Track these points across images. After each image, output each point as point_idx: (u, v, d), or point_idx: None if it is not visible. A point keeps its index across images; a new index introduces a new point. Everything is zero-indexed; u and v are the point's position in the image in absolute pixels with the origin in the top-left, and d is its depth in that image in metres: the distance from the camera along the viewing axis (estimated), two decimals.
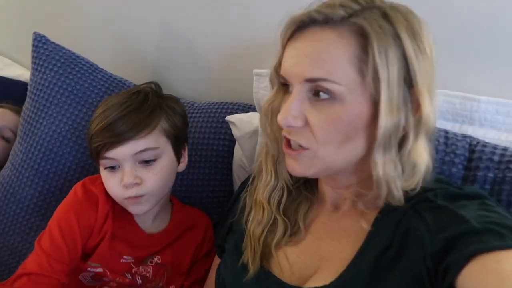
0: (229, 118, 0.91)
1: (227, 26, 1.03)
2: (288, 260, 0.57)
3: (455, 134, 0.67)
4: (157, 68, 1.21)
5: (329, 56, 0.47)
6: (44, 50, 0.99)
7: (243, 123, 0.88)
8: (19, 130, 1.03)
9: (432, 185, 0.51)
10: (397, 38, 0.46)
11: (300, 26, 0.50)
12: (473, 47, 0.73)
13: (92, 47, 1.30)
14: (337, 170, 0.53)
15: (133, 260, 0.77)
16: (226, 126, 0.92)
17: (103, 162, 0.72)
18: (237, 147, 0.92)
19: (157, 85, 0.82)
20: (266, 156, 0.61)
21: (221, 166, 0.94)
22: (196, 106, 1.02)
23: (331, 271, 0.51)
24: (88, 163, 0.96)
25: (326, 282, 0.50)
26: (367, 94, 0.47)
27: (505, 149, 0.62)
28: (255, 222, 0.60)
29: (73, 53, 1.01)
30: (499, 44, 0.71)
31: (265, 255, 0.58)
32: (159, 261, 0.79)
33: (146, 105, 0.73)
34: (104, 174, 0.73)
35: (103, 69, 1.03)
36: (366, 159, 0.50)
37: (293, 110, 0.49)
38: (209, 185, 0.94)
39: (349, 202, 0.56)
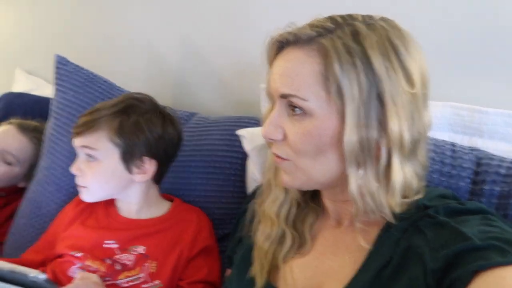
0: (240, 132, 0.93)
1: (239, 43, 1.07)
2: (293, 275, 0.58)
3: (462, 147, 0.67)
4: (176, 85, 1.26)
5: (297, 74, 0.50)
6: (65, 71, 1.04)
7: (254, 137, 0.90)
8: (43, 147, 1.07)
9: (435, 200, 0.51)
10: (365, 56, 0.47)
11: (279, 46, 0.53)
12: (480, 59, 0.73)
13: (117, 67, 1.36)
14: (321, 183, 0.55)
15: (117, 246, 0.81)
16: (239, 139, 0.95)
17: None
18: (249, 160, 0.94)
19: (147, 98, 0.87)
20: (273, 170, 0.62)
21: (234, 179, 0.96)
22: (211, 120, 1.05)
23: None
24: None
25: None
26: (334, 109, 0.48)
27: None
28: (264, 236, 0.61)
29: (91, 73, 1.06)
30: (507, 55, 0.70)
31: (272, 269, 0.60)
32: (143, 252, 0.81)
33: (106, 110, 0.81)
34: None
35: (120, 87, 1.08)
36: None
37: (272, 123, 0.53)
38: (222, 196, 0.96)
39: (349, 217, 0.57)
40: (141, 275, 0.78)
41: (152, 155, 0.82)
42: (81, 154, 0.82)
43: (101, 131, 0.79)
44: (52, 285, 0.58)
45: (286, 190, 0.61)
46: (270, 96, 0.57)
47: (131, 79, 1.33)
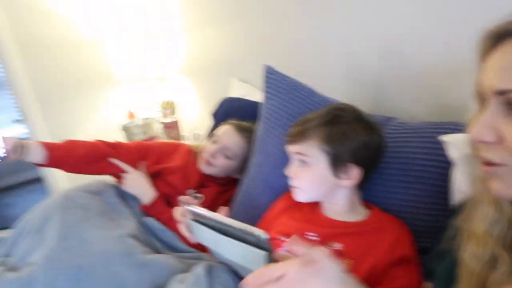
0: (445, 138, 0.86)
1: (451, 41, 0.98)
2: None
3: None
4: (374, 89, 1.25)
5: None
6: (272, 80, 1.16)
7: (461, 144, 0.82)
8: (255, 146, 1.22)
9: None
10: None
11: (496, 39, 0.48)
12: None
13: (317, 73, 1.43)
14: None
15: (318, 239, 0.87)
16: (442, 147, 0.88)
17: None
18: (455, 169, 0.86)
19: (351, 108, 0.91)
20: (482, 181, 0.56)
21: (434, 189, 0.90)
22: (410, 126, 1.00)
23: None
24: None
25: None
26: None
27: None
28: (472, 255, 0.56)
29: (295, 81, 1.15)
30: None
31: None
32: (340, 249, 0.83)
33: (314, 121, 0.89)
34: None
35: (320, 93, 1.13)
36: None
37: (484, 124, 0.47)
38: (420, 207, 0.91)
39: None
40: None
41: (358, 162, 0.87)
42: (295, 159, 0.92)
43: (312, 140, 0.87)
44: (270, 247, 0.65)
45: (499, 206, 0.53)
46: (481, 95, 0.51)
47: (330, 84, 1.39)
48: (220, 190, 1.41)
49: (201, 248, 1.22)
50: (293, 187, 0.94)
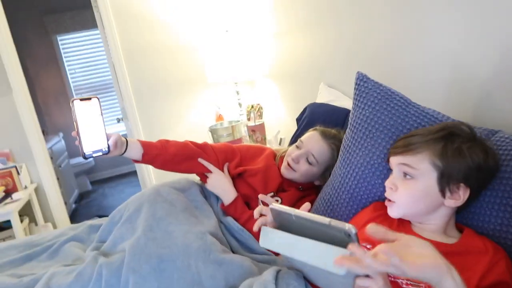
0: None
1: None
2: None
3: None
4: (478, 99, 1.13)
5: None
6: (364, 88, 1.10)
7: None
8: (340, 156, 1.18)
9: None
10: None
11: None
12: None
13: (413, 80, 1.34)
14: None
15: None
16: None
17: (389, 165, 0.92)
18: None
19: (469, 127, 0.86)
20: None
21: None
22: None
23: None
24: None
25: None
26: None
27: None
28: None
29: (389, 89, 1.08)
30: None
31: None
32: None
33: (429, 135, 0.85)
34: None
35: (416, 103, 1.05)
36: None
37: None
38: None
39: None
40: (422, 284, 0.77)
41: (468, 183, 0.83)
42: (397, 171, 0.88)
43: (424, 153, 0.84)
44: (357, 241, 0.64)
45: None
46: None
47: (427, 92, 1.29)
48: (299, 195, 1.40)
49: (275, 252, 1.22)
50: (389, 201, 0.89)
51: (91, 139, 1.07)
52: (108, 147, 1.12)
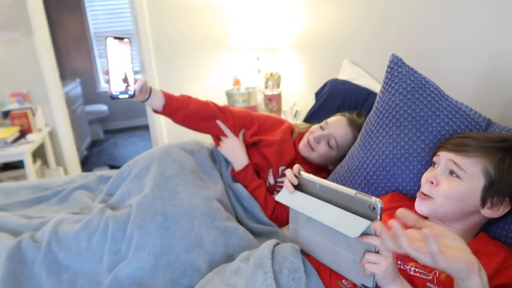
0: None
1: None
2: None
3: None
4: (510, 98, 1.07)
5: None
6: (398, 73, 1.04)
7: None
8: (360, 138, 1.14)
9: None
10: None
11: None
12: None
13: (447, 71, 1.28)
14: None
15: None
16: None
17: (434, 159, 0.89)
18: None
19: None
20: None
21: None
22: None
23: None
24: (405, 190, 1.00)
25: None
26: None
27: None
28: None
29: (424, 78, 1.02)
30: None
31: None
32: None
33: (490, 142, 0.81)
34: None
35: (449, 96, 1.00)
36: None
37: None
38: None
39: None
40: (430, 275, 0.78)
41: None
42: (444, 167, 0.85)
43: (479, 158, 0.80)
44: (380, 216, 0.65)
45: None
46: None
47: (457, 79, 1.23)
48: (311, 172, 1.38)
49: (278, 223, 1.28)
50: (424, 195, 0.85)
51: (119, 80, 1.04)
52: (134, 91, 1.09)
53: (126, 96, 1.07)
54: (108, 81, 1.02)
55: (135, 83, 1.09)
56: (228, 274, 0.85)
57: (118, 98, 1.05)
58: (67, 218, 1.14)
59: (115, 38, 1.00)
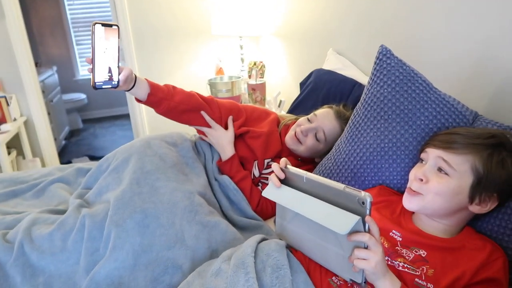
0: None
1: None
2: None
3: None
4: (497, 93, 1.06)
5: None
6: (386, 65, 1.01)
7: None
8: (347, 130, 1.12)
9: None
10: None
11: None
12: None
13: (434, 61, 1.26)
14: None
15: (401, 240, 0.84)
16: None
17: (421, 155, 0.89)
18: None
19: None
20: None
21: None
22: None
23: None
24: (392, 183, 0.99)
25: None
26: None
27: None
28: None
29: (412, 70, 1.00)
30: None
31: None
32: (423, 255, 0.80)
33: (478, 139, 0.80)
34: None
35: (437, 89, 0.98)
36: None
37: None
38: None
39: None
40: (418, 271, 0.78)
41: (501, 195, 0.81)
42: (432, 164, 0.84)
43: (469, 155, 0.80)
44: (369, 211, 0.65)
45: None
46: None
47: (443, 69, 1.21)
48: (297, 164, 1.36)
49: (263, 216, 1.27)
50: (413, 192, 0.85)
51: (104, 70, 0.98)
52: (118, 81, 1.03)
53: (109, 86, 1.01)
54: (92, 70, 0.96)
55: (119, 73, 1.03)
56: (209, 276, 0.82)
57: (101, 88, 1.00)
58: (42, 218, 1.09)
59: (103, 25, 0.94)
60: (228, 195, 1.26)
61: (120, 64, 1.02)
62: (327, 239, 0.75)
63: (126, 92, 1.16)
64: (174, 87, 1.26)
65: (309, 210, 0.73)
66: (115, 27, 0.97)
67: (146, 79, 1.18)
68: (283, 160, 0.84)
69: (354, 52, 1.74)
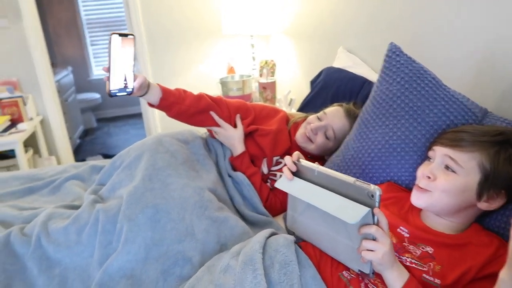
0: None
1: None
2: None
3: None
4: (508, 89, 1.05)
5: None
6: (396, 62, 1.01)
7: None
8: (356, 128, 1.13)
9: None
10: None
11: None
12: None
13: (442, 59, 1.25)
14: None
15: (409, 236, 0.84)
16: None
17: (429, 153, 0.89)
18: None
19: None
20: None
21: None
22: None
23: None
24: (400, 180, 0.99)
25: None
26: None
27: None
28: None
29: (422, 67, 1.00)
30: None
31: None
32: (430, 252, 0.80)
33: (485, 136, 0.80)
34: None
35: (446, 86, 0.98)
36: None
37: None
38: None
39: None
40: (425, 266, 0.78)
41: (509, 192, 0.80)
42: (440, 161, 0.84)
43: (476, 153, 0.80)
44: (378, 203, 0.67)
45: None
46: None
47: (457, 74, 1.21)
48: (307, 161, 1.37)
49: (272, 212, 1.28)
50: (421, 189, 0.85)
51: (120, 78, 1.02)
52: (133, 89, 1.08)
53: (124, 93, 1.06)
54: (108, 79, 1.00)
55: (134, 80, 1.07)
56: (218, 273, 0.83)
57: (116, 95, 1.04)
58: (58, 212, 1.12)
59: (120, 35, 0.97)
60: (242, 191, 1.28)
61: (135, 70, 1.06)
62: (337, 231, 0.77)
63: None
64: (184, 91, 1.30)
65: (320, 200, 0.75)
66: (131, 36, 1.00)
67: (158, 84, 1.21)
68: (296, 153, 0.86)
69: (364, 50, 1.74)
